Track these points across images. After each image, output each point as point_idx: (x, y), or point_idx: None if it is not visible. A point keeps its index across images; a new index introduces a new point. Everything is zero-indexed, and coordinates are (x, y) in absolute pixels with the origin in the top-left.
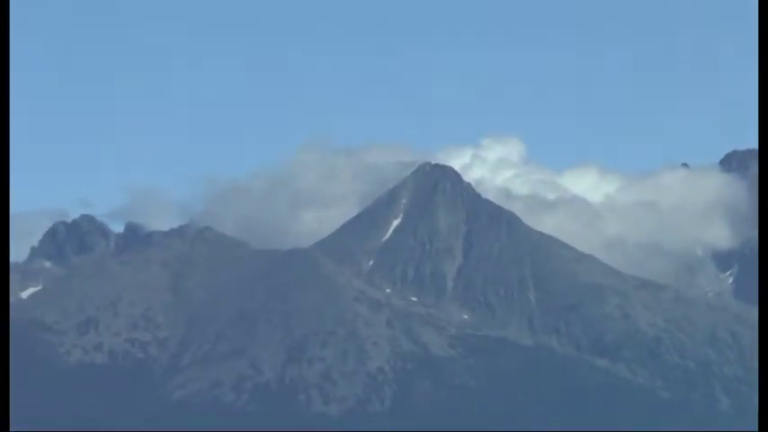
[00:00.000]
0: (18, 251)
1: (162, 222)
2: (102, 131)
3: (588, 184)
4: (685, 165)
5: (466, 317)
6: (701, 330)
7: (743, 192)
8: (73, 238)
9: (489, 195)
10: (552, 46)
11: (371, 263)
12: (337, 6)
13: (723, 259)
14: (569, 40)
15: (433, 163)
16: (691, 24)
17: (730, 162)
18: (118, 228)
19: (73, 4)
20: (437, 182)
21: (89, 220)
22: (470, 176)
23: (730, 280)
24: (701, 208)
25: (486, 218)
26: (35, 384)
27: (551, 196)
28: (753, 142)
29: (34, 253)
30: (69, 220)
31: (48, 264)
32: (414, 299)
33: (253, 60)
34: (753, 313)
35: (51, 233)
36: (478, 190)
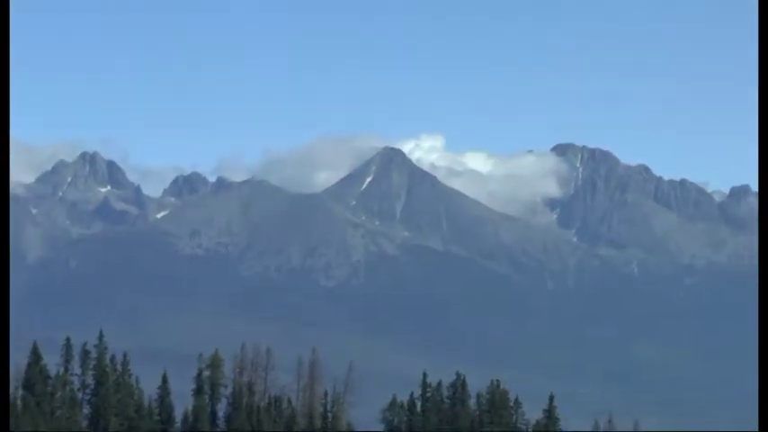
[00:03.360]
0: (156, 190)
1: (237, 176)
2: (204, 123)
3: (479, 163)
4: (531, 151)
5: (407, 234)
6: (538, 244)
7: (565, 167)
8: (187, 184)
9: (423, 167)
10: (465, 68)
11: (354, 202)
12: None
13: (551, 204)
14: (473, 60)
15: (390, 147)
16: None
17: (557, 150)
18: (212, 178)
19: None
20: (392, 158)
21: (196, 174)
22: (413, 156)
23: (555, 216)
24: (540, 176)
25: (419, 179)
26: (162, 267)
27: (458, 168)
28: (572, 137)
29: (165, 192)
30: (185, 174)
31: (172, 199)
32: (377, 223)
33: (289, 71)
34: (567, 235)
35: (175, 181)
36: (417, 164)
